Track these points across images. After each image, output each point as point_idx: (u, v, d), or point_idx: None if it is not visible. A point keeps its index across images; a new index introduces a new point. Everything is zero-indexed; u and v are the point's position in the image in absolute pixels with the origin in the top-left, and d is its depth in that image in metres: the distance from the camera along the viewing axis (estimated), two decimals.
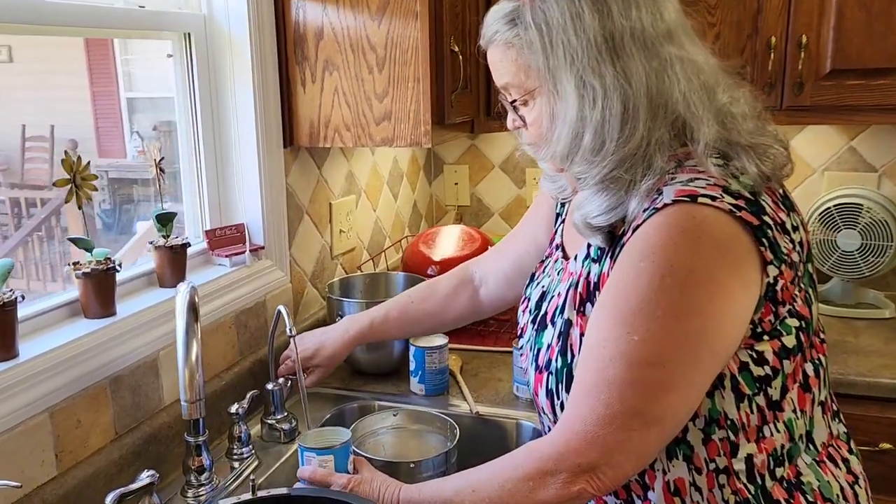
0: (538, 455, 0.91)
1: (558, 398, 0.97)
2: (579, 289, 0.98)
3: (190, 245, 1.32)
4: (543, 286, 1.12)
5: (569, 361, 0.96)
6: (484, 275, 1.38)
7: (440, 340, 1.51)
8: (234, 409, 1.22)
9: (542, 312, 1.07)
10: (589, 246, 1.00)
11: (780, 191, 0.94)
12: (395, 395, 1.51)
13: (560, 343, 0.98)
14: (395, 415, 1.34)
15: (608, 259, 0.94)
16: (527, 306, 1.15)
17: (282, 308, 1.22)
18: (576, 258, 1.02)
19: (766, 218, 0.86)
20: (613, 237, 0.94)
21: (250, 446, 1.25)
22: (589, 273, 0.98)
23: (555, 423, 0.99)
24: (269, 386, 1.32)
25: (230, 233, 1.49)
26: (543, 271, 1.15)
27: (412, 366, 1.50)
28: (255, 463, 1.24)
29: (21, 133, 5.40)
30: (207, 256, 1.48)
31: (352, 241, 1.89)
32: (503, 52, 0.95)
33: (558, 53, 0.90)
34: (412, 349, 1.49)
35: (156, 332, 1.22)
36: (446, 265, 1.71)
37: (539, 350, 1.03)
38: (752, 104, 0.96)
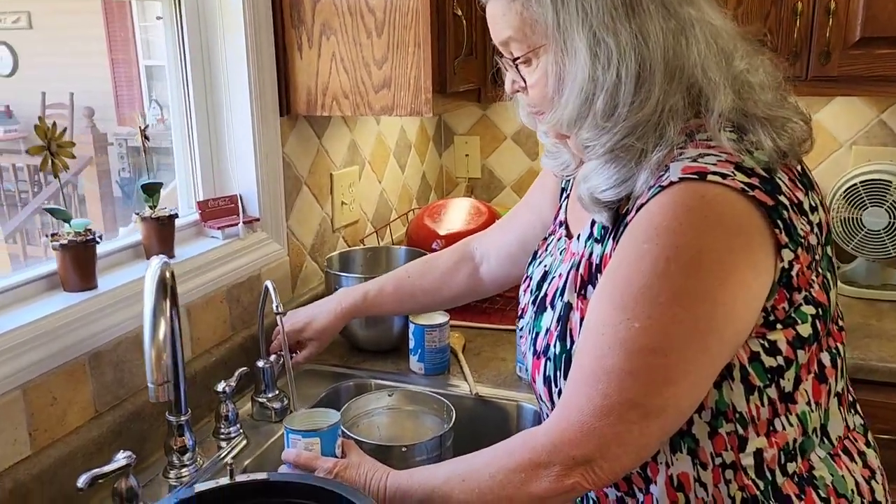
0: (532, 445, 0.86)
1: (556, 385, 0.92)
2: (580, 270, 0.92)
3: (177, 216, 1.27)
4: (546, 265, 1.05)
5: (568, 347, 0.90)
6: (486, 251, 1.31)
7: (441, 318, 1.45)
8: (220, 387, 1.17)
9: (542, 293, 1.01)
10: (592, 224, 0.93)
11: (799, 168, 0.86)
12: (394, 373, 1.46)
13: (559, 327, 0.92)
14: (390, 395, 1.29)
15: (611, 240, 0.88)
16: (528, 286, 1.08)
17: (269, 283, 1.17)
18: (578, 238, 0.96)
19: (781, 198, 0.79)
20: (618, 216, 0.87)
21: (238, 426, 1.20)
22: (591, 254, 0.91)
23: (553, 410, 0.94)
24: (260, 363, 1.27)
25: (223, 204, 1.43)
26: (546, 249, 1.09)
27: (411, 344, 1.45)
28: (244, 443, 1.20)
29: (41, 100, 5.39)
30: (200, 228, 1.43)
31: (355, 213, 1.83)
32: (506, 5, 0.87)
33: (570, 7, 0.82)
34: (412, 327, 1.44)
35: (140, 307, 1.17)
36: (452, 240, 1.64)
37: (537, 334, 0.97)
38: (772, 74, 0.88)
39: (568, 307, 0.92)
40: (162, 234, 1.26)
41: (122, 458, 0.96)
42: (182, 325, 1.24)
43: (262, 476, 0.92)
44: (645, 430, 0.81)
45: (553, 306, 0.96)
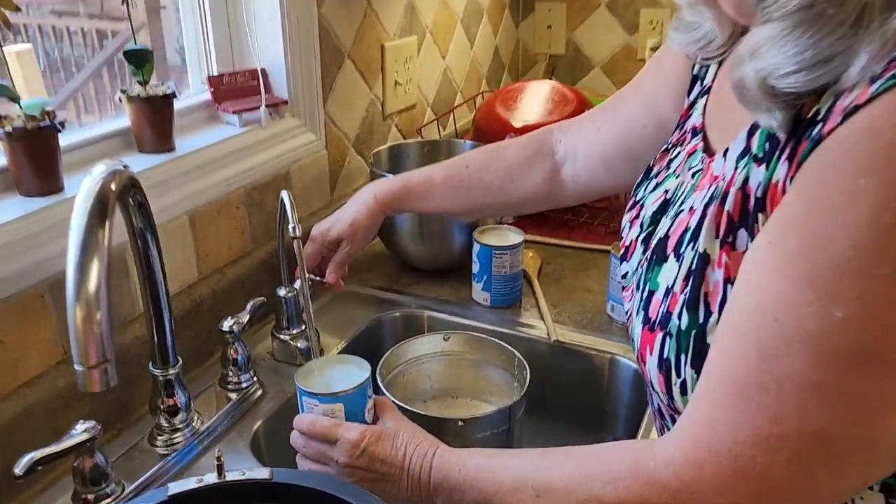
0: (646, 477, 0.57)
1: (678, 375, 0.61)
2: (727, 205, 0.59)
3: (175, 96, 0.97)
4: (667, 190, 0.73)
5: (701, 322, 0.59)
6: (571, 147, 0.97)
7: (515, 237, 1.14)
8: (227, 325, 0.90)
9: (660, 232, 0.68)
10: (752, 134, 0.59)
11: None
12: (452, 302, 1.17)
13: (688, 289, 0.60)
14: (446, 339, 1.01)
15: (784, 160, 0.54)
16: (637, 215, 0.76)
17: (284, 195, 0.87)
18: (725, 154, 0.62)
19: None
20: (800, 122, 0.53)
21: (250, 373, 0.94)
22: (747, 180, 0.58)
23: (670, 408, 0.63)
24: (281, 292, 0.99)
25: (242, 81, 1.12)
26: (668, 166, 0.76)
27: (475, 268, 1.15)
28: (258, 393, 0.94)
29: None
30: (212, 113, 1.12)
31: (411, 96, 1.49)
32: None
33: None
34: (476, 247, 1.13)
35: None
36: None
37: (651, 293, 0.66)
38: None
39: (703, 260, 0.60)
40: (156, 119, 0.96)
41: (80, 432, 0.71)
42: (183, 238, 0.97)
43: (262, 474, 0.66)
44: (837, 475, 0.50)
45: (678, 255, 0.64)
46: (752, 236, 0.56)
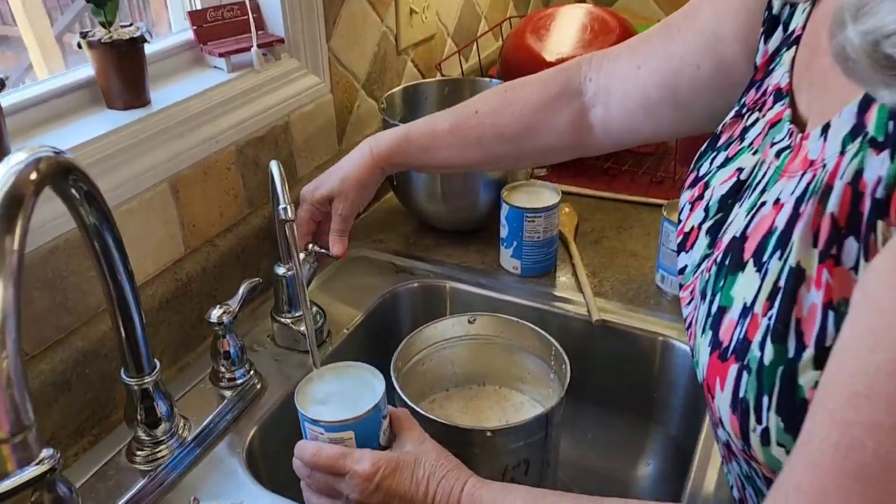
0: None
1: (759, 421, 0.46)
2: (831, 206, 0.44)
3: (146, 39, 0.81)
4: (741, 168, 0.57)
5: (791, 356, 0.44)
6: (604, 88, 0.79)
7: (550, 197, 0.99)
8: (214, 315, 0.77)
9: (734, 226, 0.54)
10: (864, 109, 0.44)
11: None
12: (478, 270, 1.03)
13: (775, 314, 0.46)
14: (471, 321, 0.87)
15: None
16: (701, 195, 0.61)
17: (274, 167, 0.72)
18: (825, 132, 0.47)
19: None
20: None
21: (246, 366, 0.82)
22: (860, 174, 0.42)
23: (745, 453, 0.50)
24: (280, 270, 0.86)
25: (229, 16, 0.95)
26: (742, 136, 0.60)
27: (504, 232, 1.00)
28: (257, 387, 0.82)
29: None
30: (196, 55, 0.96)
31: (429, 25, 1.31)
32: None
33: None
34: (504, 208, 0.98)
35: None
36: None
37: (722, 311, 0.51)
38: None
39: (796, 276, 0.45)
40: (124, 67, 0.80)
41: (33, 465, 0.59)
42: (164, 208, 0.83)
43: None
44: None
45: (760, 265, 0.49)
46: (866, 252, 0.41)
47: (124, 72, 0.80)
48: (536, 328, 0.83)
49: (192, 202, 0.88)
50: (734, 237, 0.52)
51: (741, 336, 0.48)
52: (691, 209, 0.62)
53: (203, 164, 0.88)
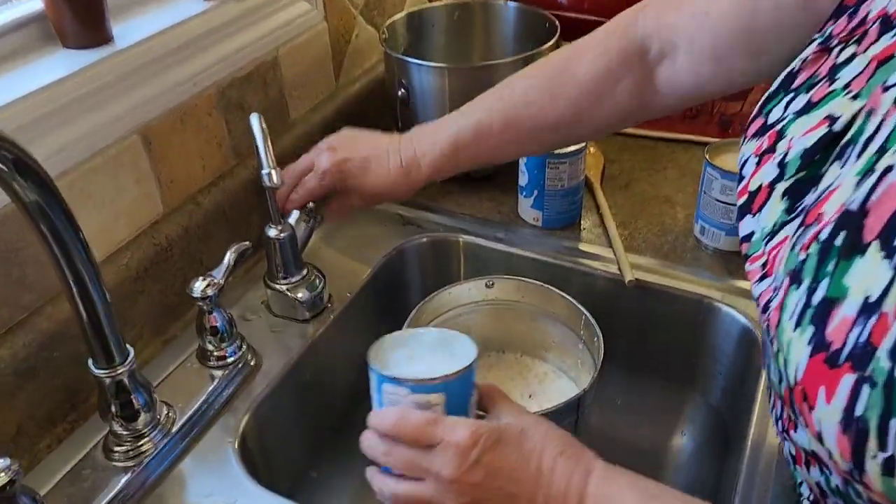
0: None
1: (883, 448, 0.37)
2: None
3: None
4: (832, 116, 0.46)
5: None
6: (668, 40, 0.66)
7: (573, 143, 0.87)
8: (197, 289, 0.67)
9: (840, 196, 0.43)
10: None
11: None
12: (494, 222, 0.92)
13: None
14: (489, 286, 0.77)
15: None
16: (772, 147, 0.50)
17: (254, 120, 0.61)
18: None
19: None
20: None
21: (237, 342, 0.72)
22: None
23: (851, 475, 0.40)
24: (271, 232, 0.75)
25: None
26: (831, 76, 0.48)
27: (523, 179, 0.89)
28: (252, 363, 0.73)
29: None
30: None
31: None
32: None
33: None
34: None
35: (48, 143, 0.65)
36: None
37: (831, 303, 0.40)
38: None
39: None
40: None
41: None
42: (135, 164, 0.72)
43: None
44: None
45: (891, 251, 0.38)
46: None
47: (78, 2, 0.68)
48: (564, 294, 0.74)
49: (169, 155, 0.77)
50: (847, 211, 0.41)
51: (863, 340, 0.38)
52: (758, 164, 0.51)
53: (179, 110, 0.77)
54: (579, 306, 0.72)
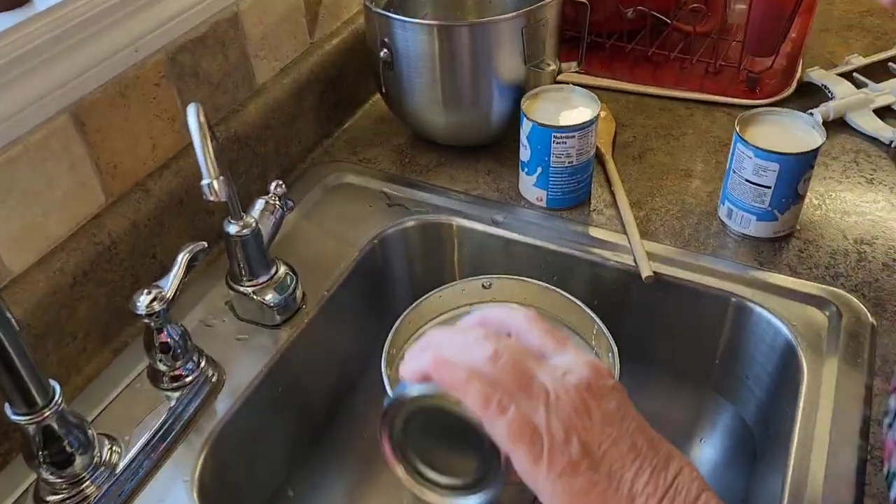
0: None
1: None
2: None
3: None
4: None
5: None
6: None
7: (586, 110, 0.76)
8: (141, 305, 0.57)
9: None
10: None
11: None
12: (491, 201, 0.81)
13: None
14: (486, 286, 0.67)
15: None
16: None
17: (190, 113, 0.49)
18: None
19: None
20: None
21: (194, 360, 0.62)
22: None
23: None
24: (231, 228, 0.64)
25: None
26: None
27: (525, 154, 0.78)
28: (213, 380, 0.63)
29: None
30: None
31: None
32: None
33: None
34: (526, 125, 0.75)
35: None
36: None
37: None
38: None
39: None
40: None
41: None
42: (67, 148, 0.61)
43: None
44: None
45: None
46: None
47: None
48: (574, 299, 0.63)
49: (109, 135, 0.65)
50: None
51: None
52: None
53: (119, 81, 0.65)
54: (592, 314, 0.62)
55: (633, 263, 0.72)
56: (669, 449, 0.38)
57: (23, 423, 0.49)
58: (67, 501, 0.53)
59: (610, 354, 0.60)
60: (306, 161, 0.88)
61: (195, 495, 0.56)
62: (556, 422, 0.36)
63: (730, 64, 0.94)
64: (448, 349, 0.39)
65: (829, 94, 0.91)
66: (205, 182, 0.47)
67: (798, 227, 0.75)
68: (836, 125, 0.88)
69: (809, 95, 0.93)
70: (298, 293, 0.70)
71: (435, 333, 0.41)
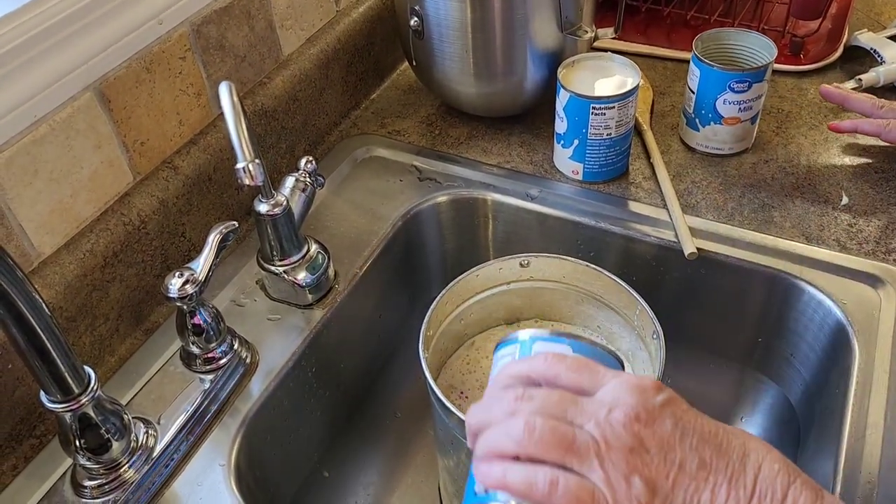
0: None
1: None
2: None
3: None
4: None
5: None
6: None
7: (627, 79, 0.73)
8: (173, 287, 0.55)
9: None
10: None
11: None
12: (525, 174, 0.79)
13: None
14: (524, 265, 0.65)
15: None
16: None
17: (223, 91, 0.47)
18: None
19: None
20: None
21: (227, 342, 0.61)
22: None
23: None
24: (262, 207, 0.62)
25: None
26: None
27: (561, 126, 0.75)
28: (248, 361, 0.62)
29: None
30: None
31: None
32: None
33: None
34: (563, 95, 0.73)
35: None
36: None
37: None
38: None
39: None
40: None
41: None
42: (93, 127, 0.59)
43: None
44: None
45: None
46: None
47: None
48: (616, 278, 0.61)
49: (135, 112, 0.63)
50: None
51: None
52: None
53: (144, 56, 0.63)
54: (634, 293, 0.60)
55: (674, 239, 0.70)
56: (741, 445, 0.35)
57: (59, 410, 0.48)
58: (105, 486, 0.53)
59: (656, 336, 0.58)
60: (333, 134, 0.86)
61: (232, 480, 0.56)
62: (614, 471, 0.33)
63: (773, 28, 0.90)
64: (483, 434, 0.37)
65: (879, 58, 0.86)
66: (240, 165, 0.45)
67: (847, 201, 0.72)
68: (886, 91, 0.84)
69: (857, 60, 0.89)
70: (331, 272, 0.68)
71: (468, 414, 0.39)
